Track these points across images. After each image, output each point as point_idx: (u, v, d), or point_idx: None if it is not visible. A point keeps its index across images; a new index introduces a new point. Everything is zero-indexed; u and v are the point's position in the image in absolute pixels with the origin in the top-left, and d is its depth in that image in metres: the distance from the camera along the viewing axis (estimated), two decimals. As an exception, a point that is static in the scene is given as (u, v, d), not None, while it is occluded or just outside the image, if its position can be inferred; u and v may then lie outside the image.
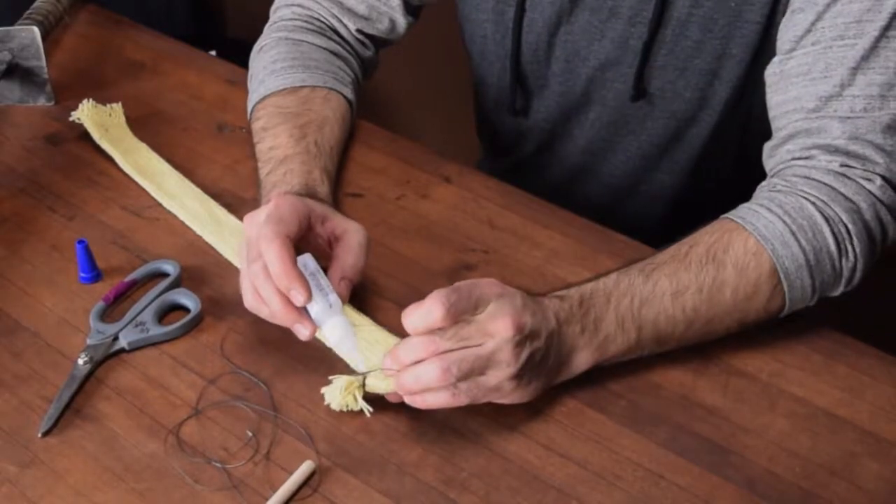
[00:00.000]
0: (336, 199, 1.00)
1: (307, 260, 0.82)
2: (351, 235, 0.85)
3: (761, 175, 0.95)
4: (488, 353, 0.74)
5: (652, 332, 0.81)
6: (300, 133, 0.97)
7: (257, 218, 0.83)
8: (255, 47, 1.09)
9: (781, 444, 0.79)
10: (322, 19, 1.09)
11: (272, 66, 1.04)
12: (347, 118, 1.05)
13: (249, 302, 0.83)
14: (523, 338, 0.75)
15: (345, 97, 1.05)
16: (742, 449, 0.79)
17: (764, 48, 0.96)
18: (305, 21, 1.09)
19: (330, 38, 1.08)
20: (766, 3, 0.93)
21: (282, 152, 0.96)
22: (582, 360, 0.80)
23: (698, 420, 0.81)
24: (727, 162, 1.10)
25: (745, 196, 0.90)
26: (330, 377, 0.78)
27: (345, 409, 0.78)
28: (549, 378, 0.79)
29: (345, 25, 1.09)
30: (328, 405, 0.78)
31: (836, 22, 0.86)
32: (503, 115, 1.16)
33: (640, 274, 0.82)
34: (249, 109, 1.05)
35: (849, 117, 0.84)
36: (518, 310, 0.75)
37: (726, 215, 0.87)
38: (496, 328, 0.74)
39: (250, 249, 0.82)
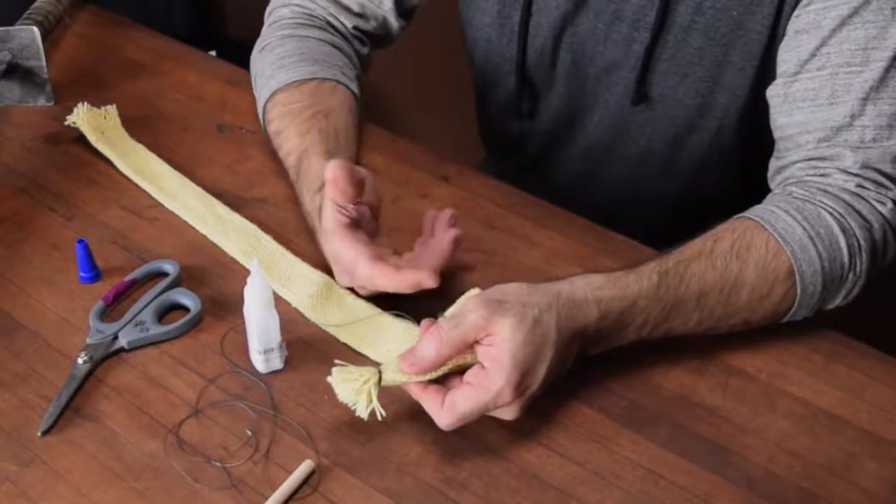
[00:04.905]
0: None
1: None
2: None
3: (764, 181, 0.95)
4: (491, 404, 0.75)
5: (664, 333, 0.82)
6: (305, 128, 0.98)
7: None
8: (257, 47, 1.10)
9: (781, 444, 0.79)
10: (321, 17, 1.10)
11: (280, 61, 1.04)
12: (354, 109, 1.05)
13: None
14: (524, 386, 0.76)
15: (350, 90, 1.05)
16: (742, 449, 0.79)
17: (768, 58, 0.96)
18: (306, 18, 1.09)
19: (332, 35, 1.09)
20: (770, 13, 0.93)
21: (295, 156, 0.97)
22: (584, 354, 0.81)
23: (698, 420, 0.81)
24: (730, 168, 1.10)
25: (748, 201, 0.90)
26: (336, 361, 0.77)
27: (353, 406, 0.76)
28: (559, 374, 0.80)
29: (342, 23, 1.10)
30: (337, 396, 0.77)
31: (842, 48, 0.86)
32: (508, 119, 1.16)
33: (676, 276, 0.81)
34: (261, 108, 1.04)
35: (859, 147, 0.87)
36: (515, 361, 0.74)
37: (742, 214, 0.87)
38: (494, 382, 0.74)
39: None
